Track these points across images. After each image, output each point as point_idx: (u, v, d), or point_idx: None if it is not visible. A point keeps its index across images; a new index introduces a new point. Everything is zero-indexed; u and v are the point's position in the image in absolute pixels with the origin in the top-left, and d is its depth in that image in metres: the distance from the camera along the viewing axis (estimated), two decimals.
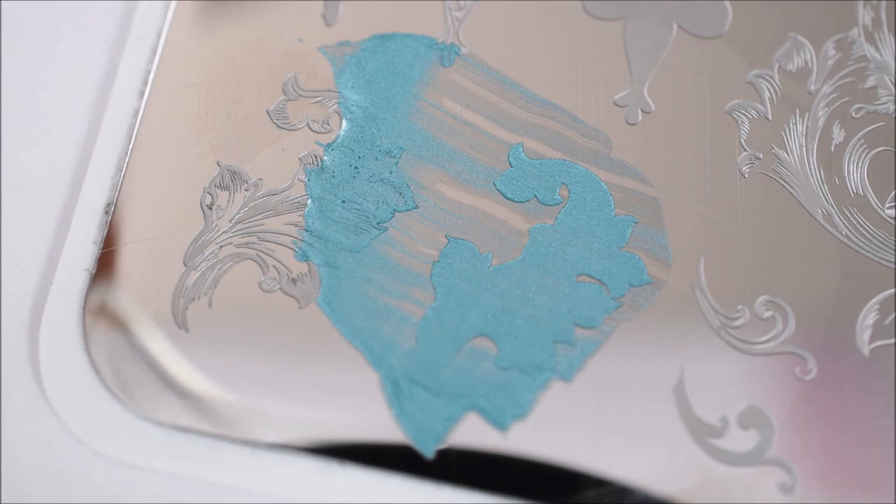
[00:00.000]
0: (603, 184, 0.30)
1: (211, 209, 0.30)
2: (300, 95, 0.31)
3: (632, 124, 0.31)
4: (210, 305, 0.29)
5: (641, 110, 0.31)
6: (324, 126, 0.31)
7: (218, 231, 0.30)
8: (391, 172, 0.31)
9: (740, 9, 0.32)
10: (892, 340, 0.29)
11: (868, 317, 0.29)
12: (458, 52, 0.32)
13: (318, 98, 0.31)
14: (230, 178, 0.30)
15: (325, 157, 0.31)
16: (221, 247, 0.30)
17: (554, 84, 0.32)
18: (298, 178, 0.30)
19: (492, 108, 0.31)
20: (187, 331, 0.29)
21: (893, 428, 0.28)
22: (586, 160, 0.31)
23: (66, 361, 0.29)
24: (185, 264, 0.30)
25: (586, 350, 0.29)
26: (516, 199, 0.30)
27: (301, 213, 0.30)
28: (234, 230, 0.30)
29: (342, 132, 0.31)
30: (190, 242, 0.30)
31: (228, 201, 0.30)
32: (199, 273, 0.30)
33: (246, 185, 0.30)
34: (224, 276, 0.30)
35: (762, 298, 0.29)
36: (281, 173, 0.31)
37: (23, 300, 0.30)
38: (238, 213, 0.30)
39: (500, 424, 0.29)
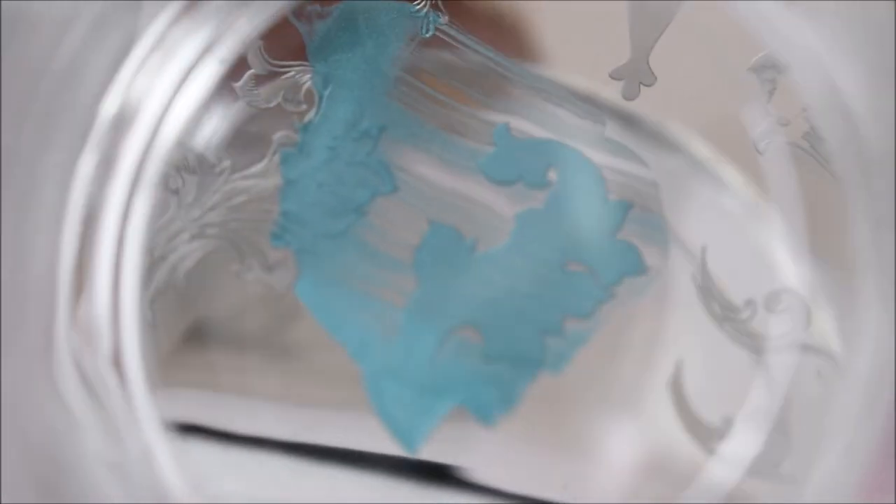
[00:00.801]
0: (594, 165, 0.29)
1: (177, 194, 0.28)
2: (269, 69, 0.29)
3: (629, 100, 0.29)
4: (181, 296, 0.28)
5: (641, 83, 0.29)
6: (298, 104, 0.28)
7: (186, 217, 0.28)
8: (369, 154, 0.28)
9: None
10: None
11: None
12: (438, 21, 0.29)
13: (291, 72, 0.29)
14: (197, 161, 0.28)
15: (301, 138, 0.28)
16: (192, 234, 0.28)
17: (543, 55, 0.30)
18: (273, 161, 0.28)
19: (475, 84, 0.29)
20: (155, 325, 0.27)
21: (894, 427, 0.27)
22: (577, 140, 0.29)
23: None
24: (150, 254, 0.27)
25: (576, 341, 0.27)
26: (501, 182, 0.28)
27: (276, 196, 0.28)
28: (205, 215, 0.28)
29: (317, 111, 0.29)
30: (157, 230, 0.28)
31: (196, 184, 0.28)
32: (166, 262, 0.28)
33: (216, 167, 0.28)
34: (195, 264, 0.28)
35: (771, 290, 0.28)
36: (254, 155, 0.28)
37: None
38: (208, 196, 0.28)
39: (487, 419, 0.27)
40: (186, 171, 0.28)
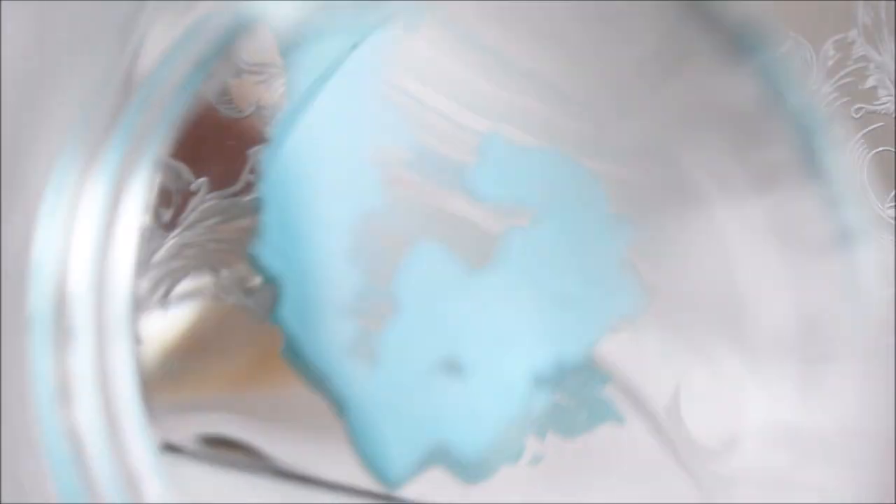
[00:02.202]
0: (592, 175, 0.26)
1: (157, 213, 0.27)
2: (243, 71, 0.27)
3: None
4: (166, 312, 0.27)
5: None
6: (274, 113, 0.27)
7: (164, 237, 0.27)
8: (352, 166, 0.26)
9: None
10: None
11: None
12: (425, 13, 0.27)
13: (263, 76, 0.27)
14: (174, 178, 0.27)
15: (277, 147, 0.26)
16: (170, 254, 0.27)
17: (539, 52, 0.27)
18: (248, 178, 0.27)
19: (464, 86, 0.27)
20: (140, 342, 0.26)
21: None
22: (573, 145, 0.26)
23: None
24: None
25: (573, 386, 0.26)
26: (488, 198, 0.26)
27: (255, 216, 0.26)
28: (184, 236, 0.27)
29: (291, 110, 0.26)
30: (138, 250, 0.26)
31: (173, 204, 0.27)
32: (150, 283, 0.27)
33: (191, 184, 0.27)
34: (177, 285, 0.27)
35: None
36: (229, 171, 0.27)
37: None
38: (187, 217, 0.27)
39: (467, 476, 0.25)
40: (163, 189, 0.27)
